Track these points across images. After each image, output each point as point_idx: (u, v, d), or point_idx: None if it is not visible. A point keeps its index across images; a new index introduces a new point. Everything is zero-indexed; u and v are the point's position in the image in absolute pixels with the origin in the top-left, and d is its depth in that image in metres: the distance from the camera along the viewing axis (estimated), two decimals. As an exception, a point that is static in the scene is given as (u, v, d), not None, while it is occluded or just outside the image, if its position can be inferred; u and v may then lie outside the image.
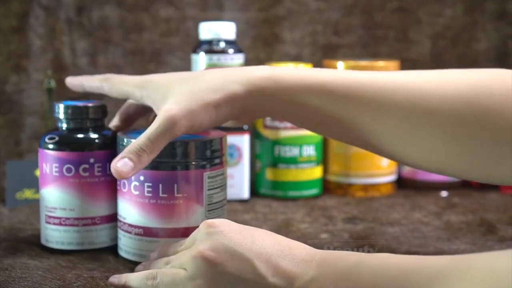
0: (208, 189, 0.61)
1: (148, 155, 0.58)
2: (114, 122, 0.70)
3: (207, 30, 0.86)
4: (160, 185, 0.60)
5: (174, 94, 0.60)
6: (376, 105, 0.57)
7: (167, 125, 0.58)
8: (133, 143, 0.58)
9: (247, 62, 0.91)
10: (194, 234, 0.55)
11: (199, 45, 0.87)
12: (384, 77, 0.58)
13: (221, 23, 0.87)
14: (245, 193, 0.88)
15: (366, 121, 0.58)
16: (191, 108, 0.58)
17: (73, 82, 0.69)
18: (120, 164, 0.57)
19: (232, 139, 0.86)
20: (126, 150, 0.58)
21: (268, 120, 0.89)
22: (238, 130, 0.87)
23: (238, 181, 0.87)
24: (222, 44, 0.86)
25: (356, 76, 0.59)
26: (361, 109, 0.58)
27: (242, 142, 0.88)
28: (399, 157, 0.60)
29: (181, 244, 0.57)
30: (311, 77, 0.59)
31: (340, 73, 0.59)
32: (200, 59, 0.85)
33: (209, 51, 0.85)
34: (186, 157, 0.60)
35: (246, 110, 0.60)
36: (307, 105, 0.59)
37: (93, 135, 0.66)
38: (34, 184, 0.83)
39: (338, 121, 0.59)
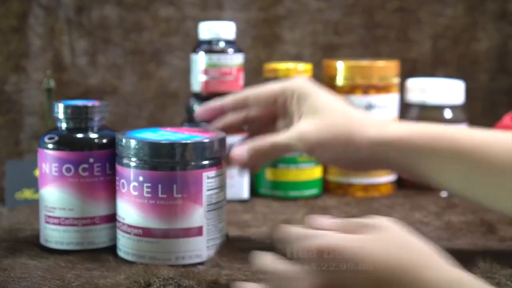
0: (208, 190, 0.61)
1: (262, 160, 0.59)
2: (210, 105, 0.68)
3: (207, 30, 0.86)
4: (159, 186, 0.60)
5: (319, 116, 0.60)
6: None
7: (295, 144, 0.59)
8: (259, 142, 0.60)
9: (247, 62, 0.91)
10: (300, 247, 0.45)
11: (199, 45, 0.87)
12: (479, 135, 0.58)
13: (221, 22, 0.86)
14: (245, 193, 0.88)
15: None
16: (327, 139, 0.59)
17: (208, 108, 0.67)
18: (238, 152, 0.59)
19: (232, 139, 0.86)
20: (253, 144, 0.60)
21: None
22: (238, 130, 0.87)
23: (238, 181, 0.87)
24: (222, 44, 0.86)
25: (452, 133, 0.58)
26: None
27: (242, 142, 0.87)
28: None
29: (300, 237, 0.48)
30: (439, 138, 0.58)
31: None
32: (200, 58, 0.85)
33: (209, 51, 0.85)
34: (186, 157, 0.60)
35: (370, 159, 0.59)
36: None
37: (93, 135, 0.66)
38: (34, 184, 0.83)
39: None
